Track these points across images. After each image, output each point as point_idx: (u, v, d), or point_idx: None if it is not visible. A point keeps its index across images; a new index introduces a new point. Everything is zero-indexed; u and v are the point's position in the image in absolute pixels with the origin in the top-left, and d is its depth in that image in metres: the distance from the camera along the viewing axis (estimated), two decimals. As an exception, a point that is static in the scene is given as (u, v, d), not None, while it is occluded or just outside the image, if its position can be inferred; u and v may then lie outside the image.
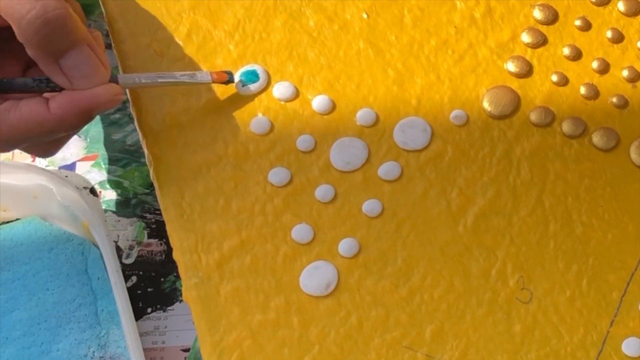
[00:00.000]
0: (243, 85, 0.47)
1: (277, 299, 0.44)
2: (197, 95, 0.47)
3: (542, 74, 0.48)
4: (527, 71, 0.48)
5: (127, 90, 0.48)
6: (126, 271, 0.52)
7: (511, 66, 0.48)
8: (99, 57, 0.41)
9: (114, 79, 0.42)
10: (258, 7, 0.49)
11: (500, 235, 0.45)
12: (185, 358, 0.50)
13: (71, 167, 0.56)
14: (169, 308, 0.51)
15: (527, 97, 0.48)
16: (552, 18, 0.49)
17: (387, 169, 0.46)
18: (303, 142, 0.46)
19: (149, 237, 0.53)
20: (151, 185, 0.54)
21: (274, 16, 0.49)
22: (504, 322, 0.43)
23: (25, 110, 0.40)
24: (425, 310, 0.43)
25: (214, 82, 0.46)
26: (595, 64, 0.48)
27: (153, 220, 0.54)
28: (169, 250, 0.52)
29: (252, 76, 0.47)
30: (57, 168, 0.55)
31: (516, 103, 0.47)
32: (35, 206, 0.52)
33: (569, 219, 0.45)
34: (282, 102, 0.47)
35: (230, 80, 0.47)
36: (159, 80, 0.45)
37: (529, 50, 0.49)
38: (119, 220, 0.54)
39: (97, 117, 0.57)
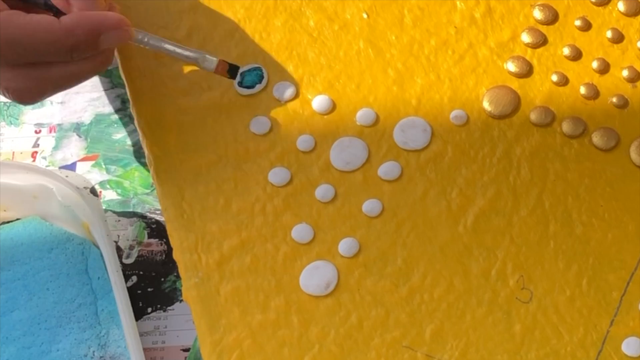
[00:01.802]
0: (246, 87, 0.47)
1: (277, 299, 0.44)
2: (197, 95, 0.47)
3: (542, 74, 0.48)
4: (527, 71, 0.48)
5: (128, 91, 0.48)
6: (126, 271, 0.52)
7: (511, 66, 0.48)
8: None
9: None
10: (258, 7, 0.49)
11: (500, 235, 0.45)
12: (186, 358, 0.50)
13: (71, 167, 0.56)
14: (169, 308, 0.51)
15: (527, 97, 0.48)
16: (552, 18, 0.49)
17: (387, 169, 0.46)
18: (303, 142, 0.46)
19: (149, 237, 0.53)
20: (151, 185, 0.54)
21: (274, 16, 0.49)
22: (504, 321, 0.43)
23: (35, 17, 0.40)
24: (425, 309, 0.43)
25: (215, 72, 0.46)
26: (595, 64, 0.48)
27: (153, 220, 0.54)
28: (169, 250, 0.52)
29: (257, 75, 0.47)
30: (57, 168, 0.55)
31: (516, 103, 0.47)
32: (36, 206, 0.52)
33: (569, 219, 0.45)
34: (282, 102, 0.47)
35: (231, 77, 0.47)
36: (165, 46, 0.45)
37: (529, 50, 0.49)
38: (119, 220, 0.54)
39: (97, 117, 0.57)
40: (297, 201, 0.45)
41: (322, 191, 0.45)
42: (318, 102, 0.47)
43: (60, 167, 0.56)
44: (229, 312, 0.43)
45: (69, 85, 0.42)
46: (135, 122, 0.48)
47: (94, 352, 0.49)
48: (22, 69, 0.40)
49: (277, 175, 0.46)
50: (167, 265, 0.52)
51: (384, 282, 0.44)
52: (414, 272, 0.44)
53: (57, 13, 0.42)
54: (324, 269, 0.44)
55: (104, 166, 0.55)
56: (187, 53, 0.46)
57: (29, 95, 0.41)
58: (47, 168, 0.54)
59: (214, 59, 0.46)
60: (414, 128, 0.47)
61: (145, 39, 0.44)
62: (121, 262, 0.53)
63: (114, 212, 0.54)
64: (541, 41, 0.49)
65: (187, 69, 0.48)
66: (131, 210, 0.54)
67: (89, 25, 0.40)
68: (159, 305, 0.52)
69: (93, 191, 0.51)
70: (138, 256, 0.53)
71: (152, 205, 0.54)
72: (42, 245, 0.52)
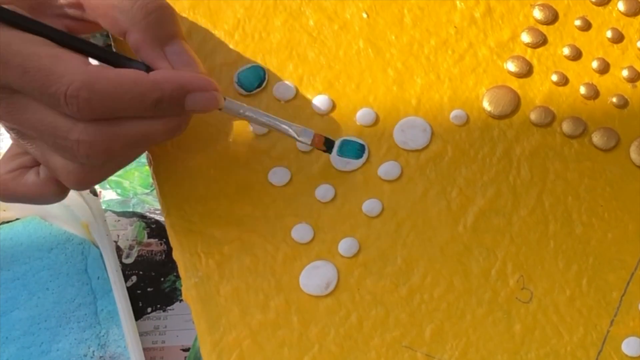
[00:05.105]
0: (341, 156, 0.46)
1: (277, 299, 0.44)
2: (197, 94, 0.47)
3: (542, 73, 0.48)
4: (527, 71, 0.48)
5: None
6: (126, 271, 0.52)
7: (511, 66, 0.48)
8: None
9: None
10: (258, 7, 0.49)
11: (500, 234, 0.45)
12: (185, 358, 0.50)
13: (71, 166, 0.56)
14: (168, 308, 0.52)
15: (527, 96, 0.48)
16: (552, 18, 0.49)
17: (387, 169, 0.46)
18: (303, 142, 0.46)
19: (149, 236, 0.53)
20: (151, 185, 0.54)
21: (273, 16, 0.49)
22: (504, 321, 0.43)
23: (124, 70, 0.39)
24: (425, 309, 0.43)
25: (311, 145, 0.44)
26: (595, 64, 0.48)
27: (153, 220, 0.54)
28: (168, 250, 0.53)
29: (258, 74, 0.47)
30: (57, 168, 0.55)
31: (516, 103, 0.47)
32: (35, 206, 0.52)
33: (569, 219, 0.45)
34: (282, 102, 0.47)
35: (327, 150, 0.45)
36: (263, 119, 0.43)
37: (529, 50, 0.49)
38: (118, 220, 0.54)
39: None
40: (297, 201, 0.45)
41: (322, 191, 0.45)
42: (318, 101, 0.47)
43: (60, 167, 0.56)
44: (228, 312, 0.43)
45: (136, 146, 0.41)
46: (135, 121, 0.47)
47: (93, 351, 0.49)
48: (97, 124, 0.39)
49: (277, 175, 0.45)
50: (167, 265, 0.52)
51: (383, 281, 0.44)
52: (414, 272, 0.44)
53: (148, 70, 0.41)
54: (324, 269, 0.44)
55: (103, 166, 0.55)
56: (286, 127, 0.44)
57: (98, 152, 0.40)
58: (47, 168, 0.54)
59: (311, 132, 0.44)
60: (413, 128, 0.47)
61: (241, 111, 0.43)
62: (121, 262, 0.53)
63: (114, 212, 0.54)
64: (541, 41, 0.49)
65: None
66: (131, 210, 0.54)
67: (176, 81, 0.40)
68: (158, 305, 0.52)
69: (93, 191, 0.51)
70: (138, 256, 0.53)
71: (151, 205, 0.54)
72: (41, 245, 0.52)
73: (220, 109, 0.42)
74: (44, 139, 0.40)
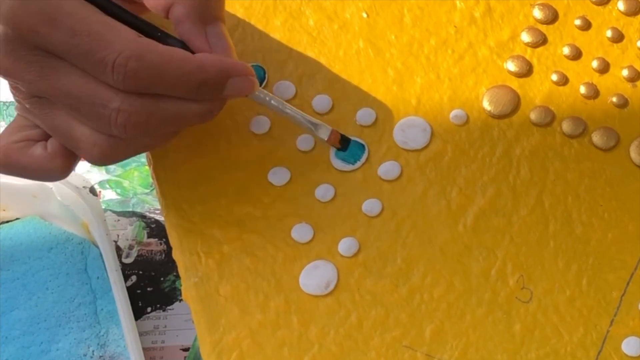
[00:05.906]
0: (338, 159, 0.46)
1: (277, 299, 0.44)
2: (196, 94, 0.47)
3: (542, 73, 0.48)
4: (527, 70, 0.48)
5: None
6: (126, 270, 0.52)
7: (511, 65, 0.48)
8: None
9: None
10: (258, 7, 0.49)
11: (500, 234, 0.45)
12: (185, 357, 0.50)
13: (71, 166, 0.56)
14: (168, 307, 0.52)
15: (527, 96, 0.48)
16: (552, 17, 0.49)
17: (386, 169, 0.46)
18: (303, 141, 0.46)
19: (149, 236, 0.53)
20: (151, 185, 0.54)
21: (273, 15, 0.49)
22: (503, 321, 0.43)
23: (171, 48, 0.40)
24: (425, 309, 0.43)
25: (327, 141, 0.45)
26: (595, 64, 0.48)
27: (153, 219, 0.54)
28: (168, 250, 0.52)
29: (258, 73, 0.47)
30: (56, 167, 0.55)
31: (516, 102, 0.47)
32: (35, 205, 0.52)
33: (568, 219, 0.45)
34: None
35: (342, 148, 0.46)
36: (286, 110, 0.44)
37: (529, 49, 0.49)
38: (118, 220, 0.54)
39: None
40: (297, 201, 0.45)
41: (322, 191, 0.45)
42: (318, 101, 0.47)
43: (60, 167, 0.55)
44: (228, 311, 0.43)
45: (170, 125, 0.41)
46: (135, 121, 0.47)
47: (93, 351, 0.49)
48: (139, 96, 0.39)
49: (277, 175, 0.45)
50: (167, 264, 0.52)
51: (383, 281, 0.44)
52: (413, 272, 0.44)
53: (185, 48, 0.41)
54: (324, 269, 0.44)
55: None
56: (305, 120, 0.44)
57: (134, 124, 0.39)
58: (47, 167, 0.54)
59: (329, 128, 0.45)
60: (413, 128, 0.47)
61: (267, 99, 0.43)
62: (120, 262, 0.53)
63: (114, 211, 0.54)
64: (541, 40, 0.49)
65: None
66: (130, 209, 0.54)
67: (221, 66, 0.40)
68: (158, 305, 0.52)
69: (92, 191, 0.51)
70: (137, 256, 0.53)
71: (151, 204, 0.54)
72: (41, 244, 0.52)
73: (246, 95, 0.42)
74: (76, 107, 0.39)
